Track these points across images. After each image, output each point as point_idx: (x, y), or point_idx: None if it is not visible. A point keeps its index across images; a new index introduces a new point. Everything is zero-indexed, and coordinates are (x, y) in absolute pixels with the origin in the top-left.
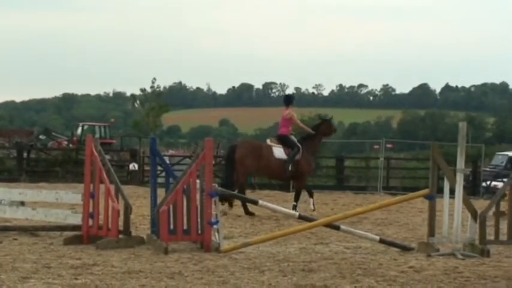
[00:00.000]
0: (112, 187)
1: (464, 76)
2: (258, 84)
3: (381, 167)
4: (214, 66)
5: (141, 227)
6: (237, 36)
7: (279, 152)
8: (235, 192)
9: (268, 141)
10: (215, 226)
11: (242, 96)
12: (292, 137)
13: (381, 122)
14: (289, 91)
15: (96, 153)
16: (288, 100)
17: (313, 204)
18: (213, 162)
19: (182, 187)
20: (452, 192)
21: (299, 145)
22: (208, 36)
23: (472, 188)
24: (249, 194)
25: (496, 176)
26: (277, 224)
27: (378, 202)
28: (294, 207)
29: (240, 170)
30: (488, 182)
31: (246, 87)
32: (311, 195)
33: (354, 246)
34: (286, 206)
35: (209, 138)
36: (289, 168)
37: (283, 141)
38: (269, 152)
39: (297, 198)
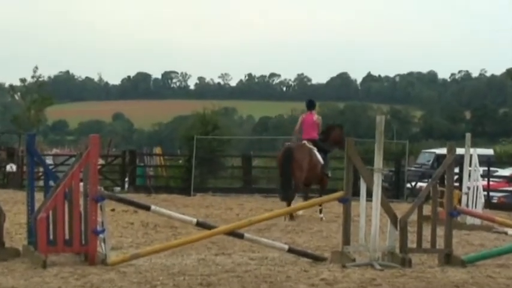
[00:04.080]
0: None
1: (388, 64)
2: (156, 74)
3: None
4: (106, 54)
5: (18, 236)
6: (132, 20)
7: (319, 156)
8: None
9: (306, 143)
10: (101, 235)
11: (138, 87)
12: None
13: (295, 116)
14: (192, 81)
15: None
16: (312, 105)
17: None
18: (103, 162)
19: (63, 191)
20: (370, 194)
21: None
22: (101, 19)
23: (395, 190)
24: (145, 198)
25: (422, 177)
26: (173, 233)
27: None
28: (320, 211)
29: (297, 174)
30: (413, 183)
31: (143, 77)
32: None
33: (260, 257)
34: (186, 212)
35: (94, 135)
36: (329, 174)
37: (317, 145)
38: (316, 156)
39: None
